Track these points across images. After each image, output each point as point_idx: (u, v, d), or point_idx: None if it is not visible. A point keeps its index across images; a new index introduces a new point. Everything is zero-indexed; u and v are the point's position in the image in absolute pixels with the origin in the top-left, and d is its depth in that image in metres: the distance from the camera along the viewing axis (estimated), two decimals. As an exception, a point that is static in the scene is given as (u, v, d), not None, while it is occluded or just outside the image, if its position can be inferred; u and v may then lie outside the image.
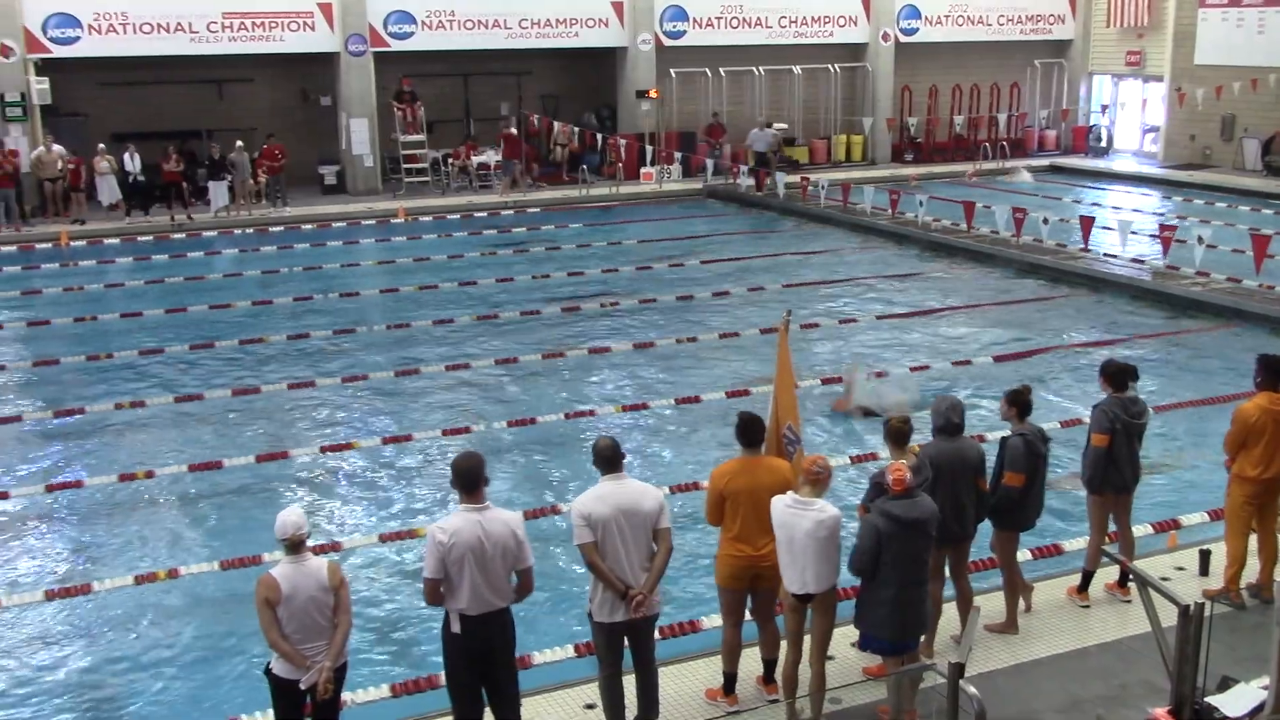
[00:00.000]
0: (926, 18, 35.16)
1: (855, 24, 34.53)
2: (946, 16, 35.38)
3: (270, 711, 6.64)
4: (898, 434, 7.44)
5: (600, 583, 6.79)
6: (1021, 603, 8.46)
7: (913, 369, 15.20)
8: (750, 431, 7.36)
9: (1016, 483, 8.00)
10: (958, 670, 5.48)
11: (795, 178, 29.33)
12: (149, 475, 11.99)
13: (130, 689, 8.44)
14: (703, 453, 12.37)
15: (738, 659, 7.54)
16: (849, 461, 11.81)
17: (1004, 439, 8.26)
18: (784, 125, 33.82)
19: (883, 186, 27.22)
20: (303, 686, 6.29)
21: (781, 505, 6.95)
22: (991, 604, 8.35)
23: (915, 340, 17.07)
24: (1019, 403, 8.15)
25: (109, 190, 26.09)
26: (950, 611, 8.10)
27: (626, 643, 7.01)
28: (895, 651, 7.08)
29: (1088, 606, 8.69)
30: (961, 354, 16.10)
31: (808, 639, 7.23)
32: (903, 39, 34.99)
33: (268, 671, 6.43)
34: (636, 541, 6.80)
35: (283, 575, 6.28)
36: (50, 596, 9.55)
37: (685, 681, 7.72)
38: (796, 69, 34.29)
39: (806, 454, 7.54)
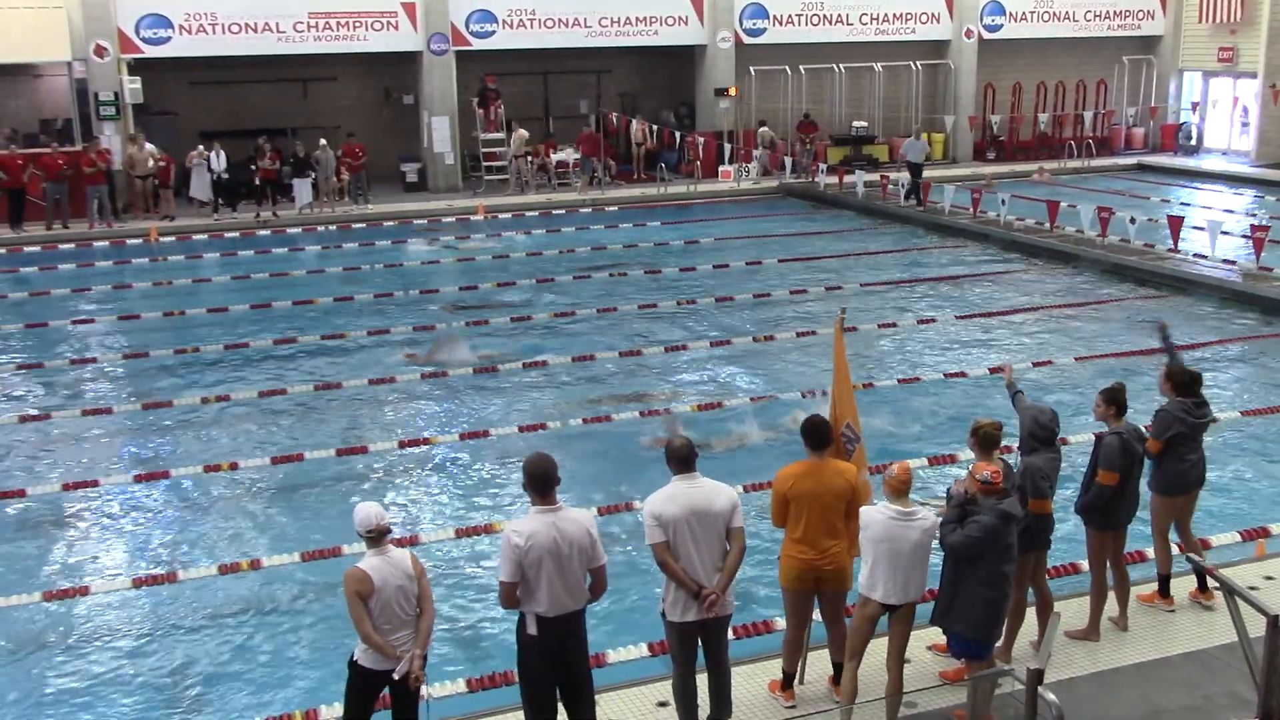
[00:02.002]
0: (1011, 14, 34.69)
1: (938, 21, 34.18)
2: (1031, 13, 34.89)
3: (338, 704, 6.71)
4: (988, 439, 7.36)
5: (673, 582, 6.80)
6: (1115, 608, 8.31)
7: (992, 370, 15.01)
8: (817, 435, 7.30)
9: (1110, 481, 7.90)
10: (1036, 676, 5.42)
11: (874, 176, 29.12)
12: (233, 467, 12.25)
13: (211, 676, 8.61)
14: (781, 452, 12.30)
15: (798, 658, 7.55)
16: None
17: (1099, 437, 8.16)
18: (863, 123, 33.62)
19: (964, 185, 26.93)
20: (396, 676, 6.34)
21: (884, 518, 6.88)
22: (1071, 610, 8.21)
23: (995, 341, 16.86)
24: (1116, 401, 8.05)
25: (203, 186, 26.71)
26: (1030, 617, 7.98)
27: (700, 642, 7.02)
28: (980, 654, 7.03)
29: (1173, 611, 8.52)
30: (1042, 355, 15.86)
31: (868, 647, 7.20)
32: (986, 35, 34.56)
33: (353, 664, 6.49)
34: (708, 541, 6.78)
35: (372, 567, 6.35)
36: (138, 584, 9.79)
37: (758, 681, 7.70)
38: (877, 66, 34.02)
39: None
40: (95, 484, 11.99)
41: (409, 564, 6.49)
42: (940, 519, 7.01)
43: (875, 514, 6.94)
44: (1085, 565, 8.47)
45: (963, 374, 14.89)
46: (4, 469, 12.60)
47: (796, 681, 7.58)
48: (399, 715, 6.59)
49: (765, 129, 31.92)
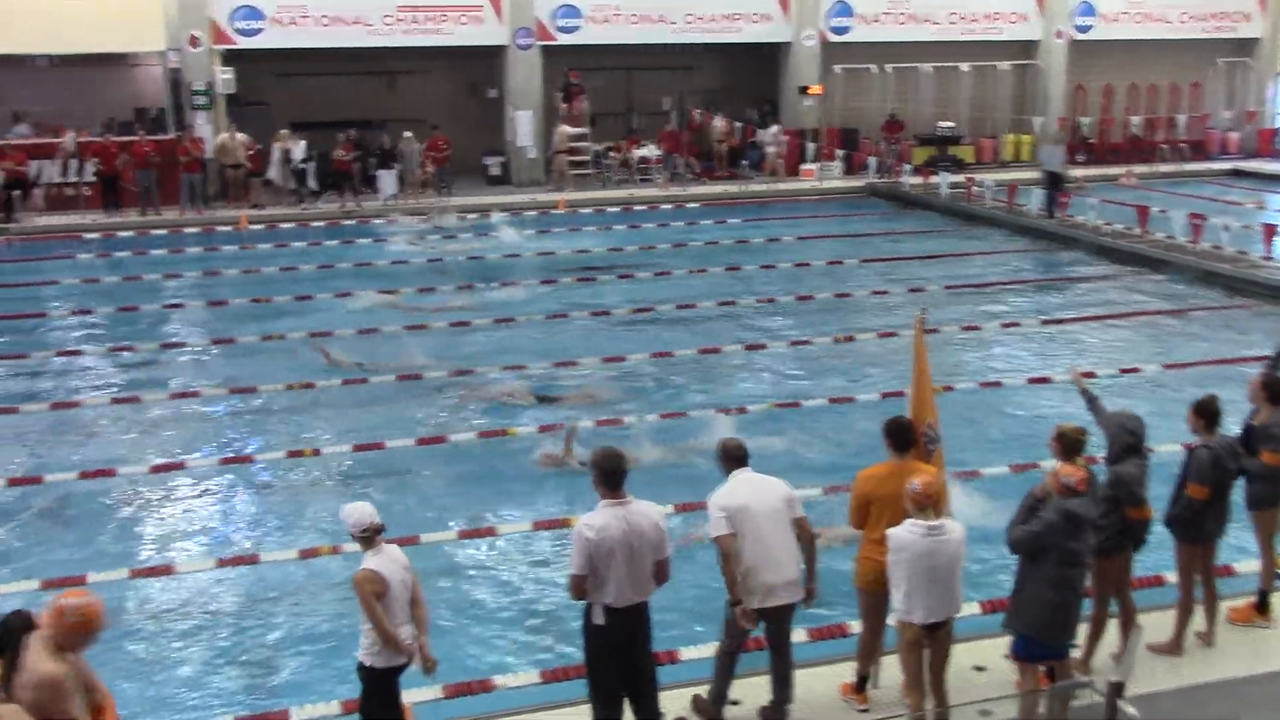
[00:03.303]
0: (1102, 14, 34.05)
1: (1027, 20, 33.66)
2: (1124, 13, 34.22)
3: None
4: (1073, 445, 7.25)
5: (748, 572, 6.85)
6: (1203, 624, 8.14)
7: (1074, 374, 14.73)
8: (900, 436, 7.28)
9: (1200, 495, 7.74)
10: (1117, 689, 5.32)
11: (960, 177, 28.76)
12: (315, 453, 12.43)
13: (286, 658, 8.76)
14: (857, 454, 12.19)
15: (870, 661, 7.50)
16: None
17: (1190, 448, 8.01)
18: (950, 124, 33.21)
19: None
20: (414, 668, 6.50)
21: (916, 535, 6.69)
22: (1155, 624, 8.03)
23: (1080, 346, 16.57)
24: (1206, 413, 7.87)
25: (287, 173, 27.24)
26: (1112, 629, 7.83)
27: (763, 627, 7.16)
28: (1050, 655, 6.90)
29: (1268, 627, 8.32)
30: (1130, 361, 15.56)
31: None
32: (1077, 36, 33.95)
33: (366, 669, 6.52)
34: (777, 531, 6.93)
35: (380, 566, 6.44)
36: (221, 564, 9.99)
37: (831, 684, 7.64)
38: (964, 66, 33.57)
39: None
40: (182, 465, 12.25)
41: (403, 558, 6.61)
42: (1012, 523, 6.92)
43: (905, 534, 6.73)
44: (1170, 578, 8.31)
45: (1046, 379, 14.65)
46: (94, 449, 12.91)
47: (870, 685, 7.53)
48: None
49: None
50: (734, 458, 7.09)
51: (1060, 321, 17.86)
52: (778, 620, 7.11)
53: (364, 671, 6.55)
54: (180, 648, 8.91)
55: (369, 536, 6.50)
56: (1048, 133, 32.42)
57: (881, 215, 27.86)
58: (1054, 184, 25.52)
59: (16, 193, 25.28)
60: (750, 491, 6.96)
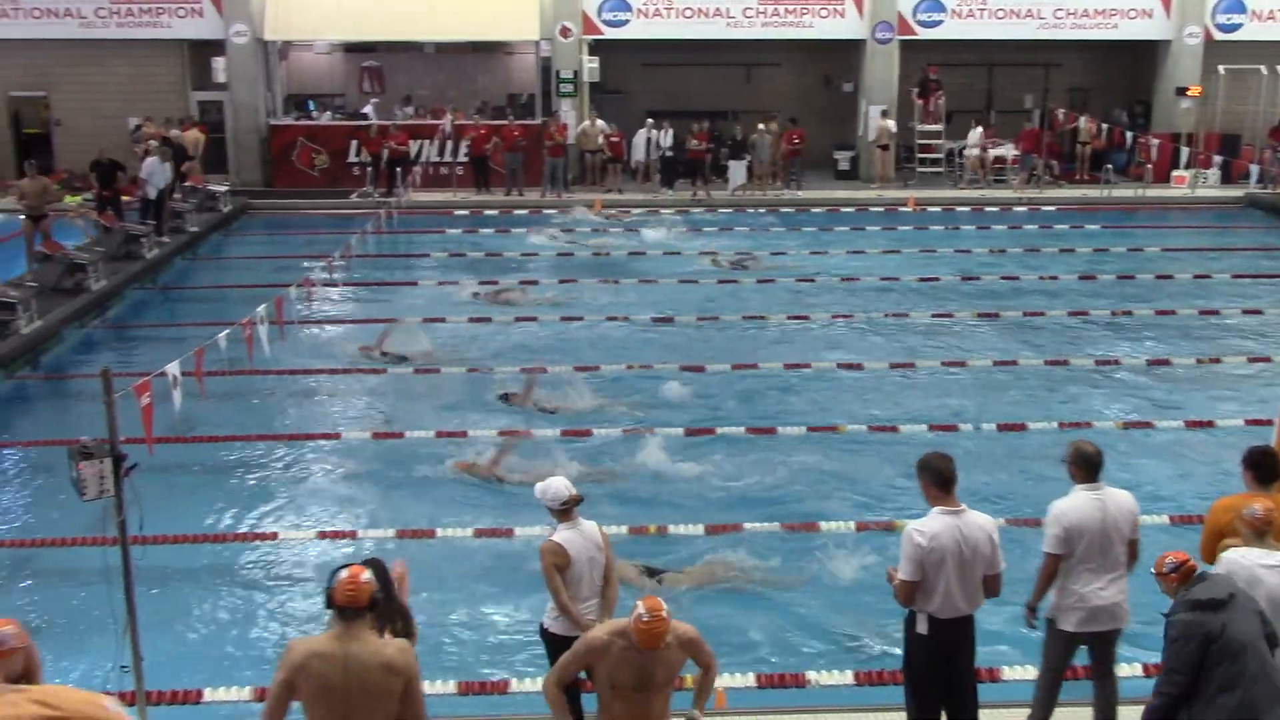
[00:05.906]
0: None
1: None
2: None
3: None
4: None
5: (1066, 590, 6.68)
6: None
7: None
8: (1265, 466, 6.73)
9: None
10: None
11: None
12: (650, 432, 12.78)
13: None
14: (1210, 483, 11.36)
15: None
16: None
17: None
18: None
19: None
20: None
21: (1250, 561, 6.04)
22: None
23: None
24: None
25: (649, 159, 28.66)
26: None
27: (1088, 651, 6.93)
28: None
29: None
30: None
31: None
32: None
33: (544, 631, 6.76)
34: (1106, 551, 6.64)
35: (566, 540, 6.59)
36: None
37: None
38: (1375, 68, 30.44)
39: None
40: (464, 434, 12.83)
41: (599, 536, 6.71)
42: None
43: (1237, 555, 6.09)
44: None
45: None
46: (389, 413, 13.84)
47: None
48: None
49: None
50: (1091, 465, 6.72)
51: None
52: (1101, 643, 6.85)
53: (543, 633, 6.83)
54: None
55: (566, 509, 6.68)
56: None
57: (1260, 228, 25.74)
58: None
59: (399, 169, 27.35)
60: (1094, 508, 6.62)
